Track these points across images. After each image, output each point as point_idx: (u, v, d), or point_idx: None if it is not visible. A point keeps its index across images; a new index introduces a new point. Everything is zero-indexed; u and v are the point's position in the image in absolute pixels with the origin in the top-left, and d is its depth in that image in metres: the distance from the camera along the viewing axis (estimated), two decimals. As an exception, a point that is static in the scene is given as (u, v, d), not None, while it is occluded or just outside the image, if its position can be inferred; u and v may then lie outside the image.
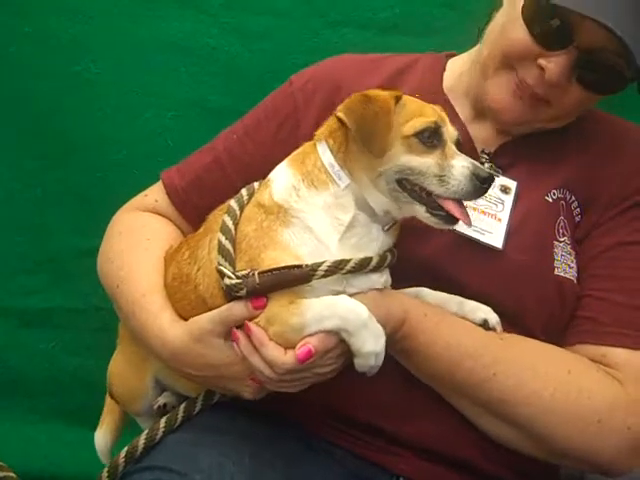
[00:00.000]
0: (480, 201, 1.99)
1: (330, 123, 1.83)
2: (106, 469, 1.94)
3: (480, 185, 1.73)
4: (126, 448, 1.93)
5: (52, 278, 2.95)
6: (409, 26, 2.70)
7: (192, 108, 2.84)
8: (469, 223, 1.76)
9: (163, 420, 1.94)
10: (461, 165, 1.73)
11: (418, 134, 1.74)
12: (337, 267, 1.73)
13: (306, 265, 1.72)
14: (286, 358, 1.70)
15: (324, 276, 1.72)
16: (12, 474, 2.40)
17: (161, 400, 2.08)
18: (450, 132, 1.79)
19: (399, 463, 1.97)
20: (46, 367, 2.98)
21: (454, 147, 1.77)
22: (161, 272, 2.01)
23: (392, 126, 1.74)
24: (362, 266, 1.76)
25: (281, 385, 1.78)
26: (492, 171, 2.01)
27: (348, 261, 1.74)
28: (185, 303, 1.92)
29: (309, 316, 1.70)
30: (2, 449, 2.61)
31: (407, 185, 1.75)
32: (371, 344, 1.71)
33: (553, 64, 1.88)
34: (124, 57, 2.83)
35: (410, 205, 1.77)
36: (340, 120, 1.77)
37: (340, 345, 1.73)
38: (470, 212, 1.94)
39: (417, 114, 1.76)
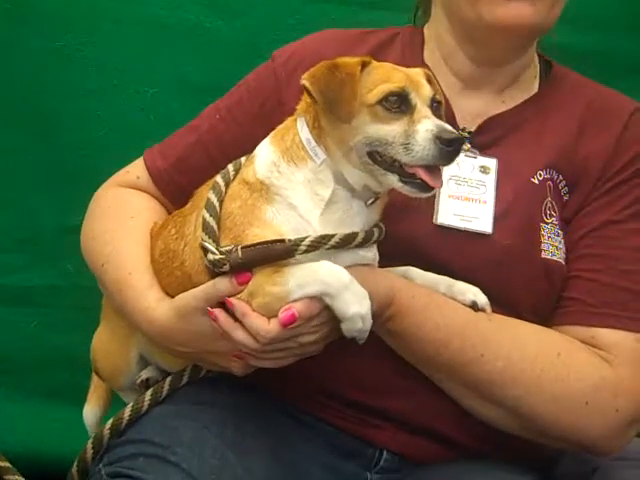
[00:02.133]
0: (462, 188, 2.00)
1: (306, 97, 1.82)
2: (90, 441, 1.95)
3: (445, 148, 1.67)
4: (111, 420, 1.94)
5: (34, 256, 2.94)
6: (391, 1, 2.70)
7: (173, 84, 2.84)
8: (440, 186, 1.73)
9: (149, 393, 1.95)
10: (425, 129, 1.68)
11: (382, 101, 1.70)
12: (320, 242, 1.72)
13: (289, 240, 1.71)
14: (270, 326, 1.70)
15: (307, 251, 1.71)
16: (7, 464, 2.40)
17: (144, 375, 2.08)
18: (423, 95, 1.74)
19: (381, 436, 1.98)
20: (28, 345, 2.96)
21: (425, 109, 1.73)
22: (147, 249, 2.01)
23: (357, 92, 1.70)
24: (347, 241, 1.75)
25: (265, 358, 1.78)
26: (463, 134, 2.02)
27: (332, 236, 1.73)
28: (172, 279, 1.92)
29: (292, 283, 1.70)
30: (-15, 426, 2.61)
31: (378, 157, 1.73)
32: (355, 306, 1.70)
33: None
34: (105, 34, 2.82)
35: (384, 176, 1.74)
36: (305, 88, 1.74)
37: (324, 312, 1.73)
38: (453, 201, 1.98)
39: (383, 80, 1.72)
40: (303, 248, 1.72)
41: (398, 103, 1.71)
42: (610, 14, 2.77)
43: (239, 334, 1.74)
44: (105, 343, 2.15)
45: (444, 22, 2.09)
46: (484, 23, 1.97)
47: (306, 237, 1.72)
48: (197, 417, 1.89)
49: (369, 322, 1.73)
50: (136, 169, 2.21)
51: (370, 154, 1.73)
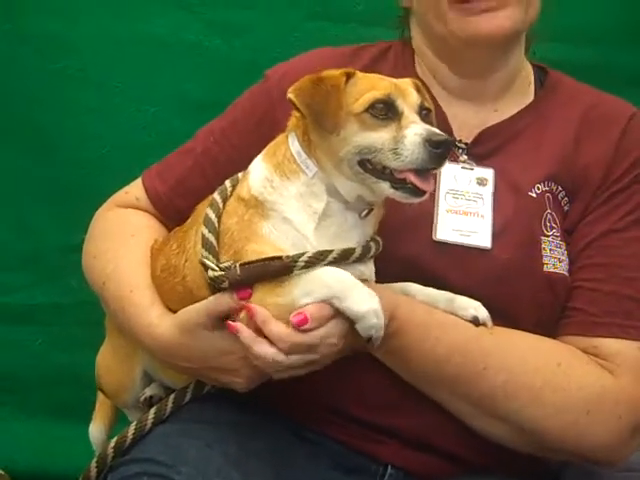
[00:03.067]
0: (460, 202, 2.00)
1: (295, 112, 1.82)
2: (94, 460, 1.95)
3: (434, 150, 1.66)
4: (115, 439, 1.94)
5: (36, 274, 2.96)
6: (389, 18, 2.71)
7: (174, 103, 2.86)
8: (431, 189, 1.72)
9: (152, 411, 1.95)
10: (413, 133, 1.68)
11: (369, 109, 1.71)
12: (319, 258, 1.72)
13: (287, 256, 1.71)
14: (290, 331, 1.69)
15: (305, 267, 1.71)
16: (1, 471, 2.39)
17: (148, 392, 2.09)
18: (410, 101, 1.74)
19: (386, 451, 1.97)
20: (33, 364, 2.98)
21: (413, 115, 1.73)
22: (148, 267, 2.01)
23: (342, 103, 1.71)
24: (345, 257, 1.75)
25: (287, 370, 1.75)
26: (460, 145, 2.02)
27: (330, 252, 1.73)
28: (173, 295, 1.92)
29: (296, 293, 1.71)
30: (-10, 445, 2.62)
31: (368, 165, 1.73)
32: (366, 302, 1.69)
33: None
34: (106, 53, 2.85)
35: (376, 185, 1.74)
36: (292, 102, 1.75)
37: (340, 318, 1.71)
38: (451, 216, 1.98)
39: (369, 89, 1.73)
40: (301, 264, 1.71)
41: (385, 110, 1.71)
42: (607, 28, 2.79)
43: (262, 347, 1.72)
44: (109, 360, 2.16)
45: (422, 38, 2.10)
46: (457, 39, 1.98)
47: (304, 253, 1.72)
48: (200, 435, 1.88)
49: (382, 317, 1.71)
50: (135, 190, 2.22)
51: (361, 163, 1.73)
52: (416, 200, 1.73)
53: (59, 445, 2.93)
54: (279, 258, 1.72)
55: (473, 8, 1.95)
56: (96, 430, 2.26)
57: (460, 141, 2.05)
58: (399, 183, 1.71)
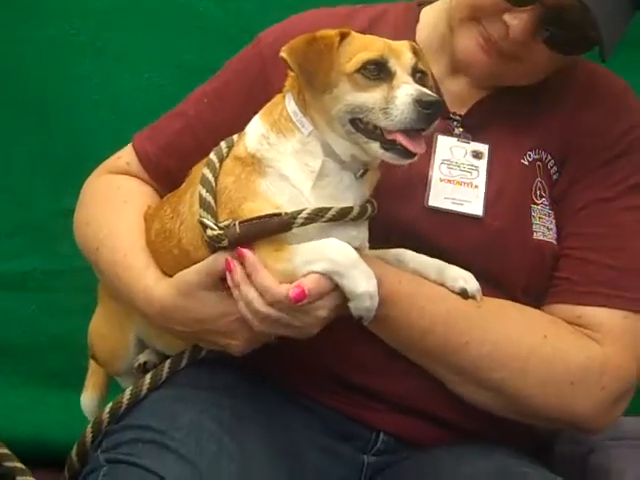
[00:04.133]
0: (454, 172, 2.00)
1: (291, 72, 1.82)
2: (90, 425, 1.95)
3: (424, 111, 1.66)
4: (110, 404, 1.94)
5: (29, 241, 2.94)
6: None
7: (168, 68, 2.84)
8: (421, 151, 1.71)
9: (148, 376, 1.95)
10: (404, 93, 1.67)
11: (360, 69, 1.71)
12: (317, 215, 1.73)
13: (286, 213, 1.72)
14: (280, 288, 1.69)
15: (304, 224, 1.72)
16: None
17: (141, 358, 2.08)
18: (403, 63, 1.74)
19: (378, 418, 1.98)
20: (26, 331, 2.97)
21: (405, 77, 1.72)
22: (142, 231, 2.01)
23: (334, 63, 1.71)
24: (343, 215, 1.75)
25: (265, 323, 1.75)
26: (454, 117, 2.02)
27: (329, 209, 1.74)
28: (169, 259, 1.92)
29: (297, 261, 1.71)
30: (-16, 413, 2.62)
31: (360, 124, 1.73)
32: (364, 284, 1.70)
33: (518, 21, 1.87)
34: (99, 19, 2.83)
35: (367, 145, 1.74)
36: (284, 61, 1.75)
37: (335, 293, 1.72)
38: (445, 185, 1.98)
39: (362, 49, 1.73)
40: (300, 221, 1.71)
41: (377, 71, 1.71)
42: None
43: (249, 290, 1.72)
44: (101, 328, 2.16)
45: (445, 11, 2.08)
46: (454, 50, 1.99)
47: (303, 210, 1.73)
48: (195, 401, 1.89)
49: (376, 300, 1.72)
50: (126, 155, 2.21)
51: (352, 122, 1.73)
52: (405, 162, 1.73)
53: (53, 412, 2.92)
54: (278, 215, 1.72)
55: (476, 33, 1.94)
56: (88, 399, 2.26)
57: (455, 113, 2.04)
58: (389, 144, 1.71)
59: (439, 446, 1.97)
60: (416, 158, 1.72)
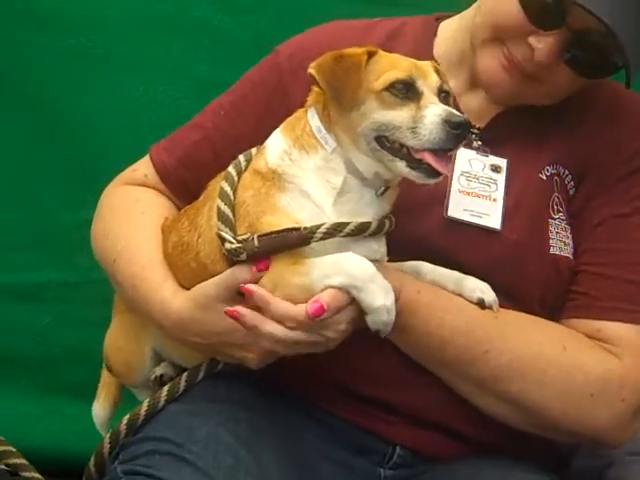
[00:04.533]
0: (473, 184, 2.00)
1: (316, 87, 1.83)
2: (108, 436, 1.96)
3: (452, 131, 1.67)
4: (128, 416, 1.94)
5: (45, 253, 2.97)
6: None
7: (182, 81, 2.87)
8: (447, 172, 1.73)
9: (165, 389, 1.95)
10: (433, 114, 1.69)
11: (389, 88, 1.72)
12: (336, 229, 1.73)
13: (304, 228, 1.72)
14: (297, 309, 1.70)
15: (322, 238, 1.72)
16: (12, 448, 2.41)
17: (158, 371, 2.09)
18: (430, 84, 1.75)
19: (394, 431, 1.98)
20: (41, 342, 2.99)
21: (432, 97, 1.74)
22: (159, 243, 2.01)
23: (362, 81, 1.72)
24: (361, 230, 1.76)
25: (290, 347, 1.76)
26: (473, 131, 2.02)
27: (347, 224, 1.74)
28: (186, 271, 1.92)
29: (315, 275, 1.71)
30: (0, 424, 2.62)
31: (386, 142, 1.73)
32: (381, 298, 1.70)
33: (543, 44, 1.87)
34: (116, 32, 2.86)
35: (392, 163, 1.74)
36: (313, 78, 1.76)
37: (352, 307, 1.72)
38: (464, 197, 1.98)
39: (390, 68, 1.74)
40: (319, 236, 1.72)
41: (405, 90, 1.72)
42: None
43: (268, 326, 1.73)
44: (118, 340, 2.16)
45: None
46: (476, 69, 1.99)
47: (321, 225, 1.73)
48: (211, 414, 1.89)
49: (393, 314, 1.73)
50: (143, 167, 2.21)
51: (378, 139, 1.74)
52: (431, 181, 1.73)
53: (68, 422, 2.95)
54: (297, 229, 1.72)
55: (499, 53, 1.94)
56: (100, 409, 2.27)
57: (473, 127, 2.04)
58: (415, 163, 1.72)
59: (457, 460, 1.97)
60: (441, 178, 1.73)
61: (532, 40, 1.88)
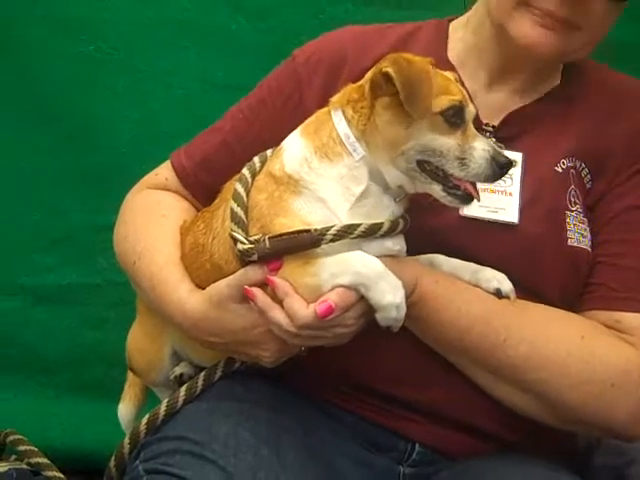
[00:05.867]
0: None
1: (350, 91, 1.82)
2: (128, 436, 1.98)
3: (499, 170, 1.73)
4: (147, 416, 1.96)
5: (67, 255, 2.99)
6: (414, 1, 2.72)
7: (200, 85, 2.89)
8: (479, 200, 1.77)
9: (183, 389, 1.97)
10: (482, 149, 1.72)
11: (444, 112, 1.73)
12: (346, 231, 1.74)
13: (315, 229, 1.73)
14: (308, 311, 1.72)
15: (333, 240, 1.73)
16: (33, 447, 2.43)
17: (177, 370, 2.12)
18: (470, 111, 1.77)
19: (414, 429, 1.99)
20: (63, 343, 3.02)
21: (473, 127, 1.76)
22: (178, 245, 2.03)
23: (434, 90, 1.71)
24: (373, 231, 1.77)
25: (298, 339, 1.79)
26: (487, 128, 2.02)
27: (358, 225, 1.75)
28: (202, 272, 1.95)
29: (324, 274, 1.73)
30: (22, 424, 2.63)
31: (426, 166, 1.75)
32: (390, 295, 1.71)
33: None
34: (134, 36, 2.89)
35: (427, 185, 1.77)
36: (385, 77, 1.73)
37: (360, 304, 1.74)
38: (480, 193, 1.96)
39: (443, 90, 1.74)
40: (329, 237, 1.73)
41: (455, 117, 1.74)
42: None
43: (276, 313, 1.76)
44: (139, 340, 2.19)
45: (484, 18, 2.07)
46: (507, 36, 1.97)
47: (332, 226, 1.74)
48: (230, 413, 1.91)
49: (403, 311, 1.74)
50: (164, 171, 2.24)
51: (419, 162, 1.76)
52: (464, 206, 1.80)
53: (88, 422, 2.97)
54: (307, 231, 1.74)
55: (530, 16, 1.92)
56: (125, 410, 2.29)
57: (487, 124, 2.05)
58: (453, 189, 1.75)
59: (476, 457, 1.98)
60: (472, 203, 1.78)
61: None
